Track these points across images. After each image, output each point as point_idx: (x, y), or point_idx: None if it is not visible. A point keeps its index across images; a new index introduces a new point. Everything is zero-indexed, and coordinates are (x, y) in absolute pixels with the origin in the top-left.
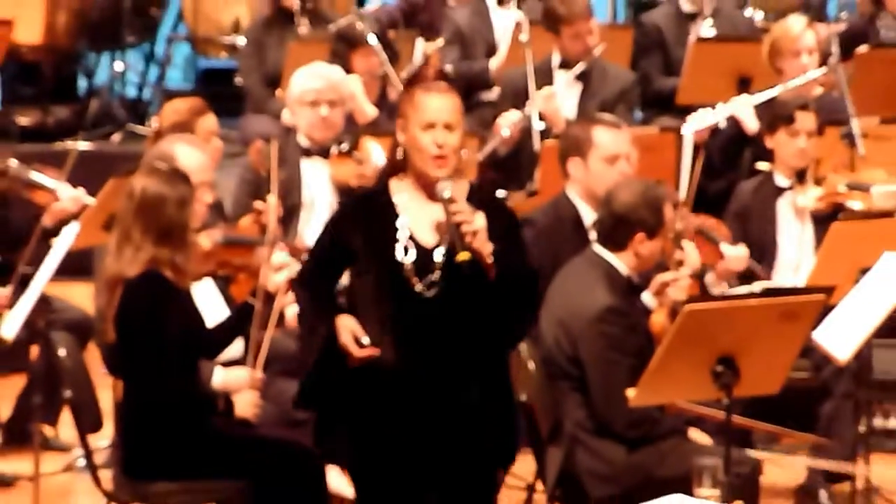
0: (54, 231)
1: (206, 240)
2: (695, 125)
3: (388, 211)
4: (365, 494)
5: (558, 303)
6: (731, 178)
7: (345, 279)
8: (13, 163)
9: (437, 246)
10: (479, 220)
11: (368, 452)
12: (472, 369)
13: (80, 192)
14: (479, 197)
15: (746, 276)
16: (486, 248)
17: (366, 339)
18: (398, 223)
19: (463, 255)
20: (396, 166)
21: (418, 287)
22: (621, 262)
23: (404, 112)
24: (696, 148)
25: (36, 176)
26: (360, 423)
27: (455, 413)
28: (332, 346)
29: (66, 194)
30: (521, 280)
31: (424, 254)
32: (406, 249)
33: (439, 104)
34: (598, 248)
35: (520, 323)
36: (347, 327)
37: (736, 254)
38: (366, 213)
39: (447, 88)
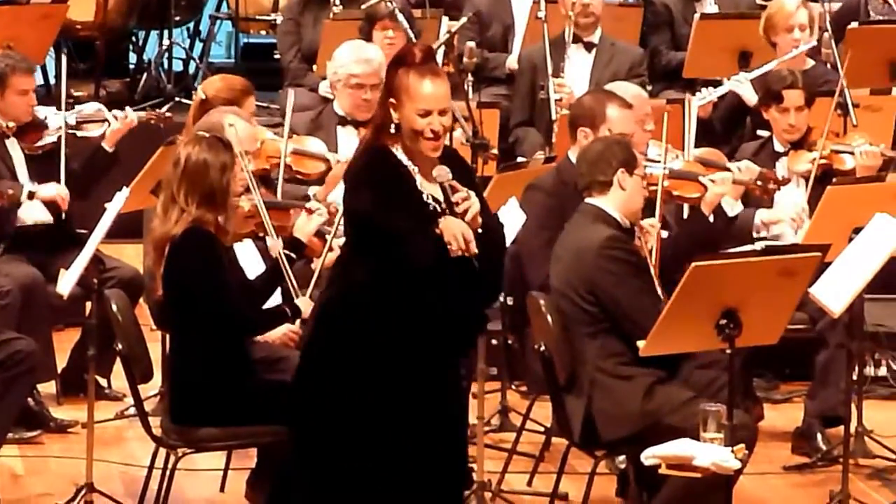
0: (114, 154)
1: (246, 203)
2: (699, 101)
3: (405, 170)
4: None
5: (564, 254)
6: (734, 145)
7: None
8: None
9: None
10: (475, 203)
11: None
12: None
13: (127, 111)
14: (444, 153)
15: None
16: (479, 221)
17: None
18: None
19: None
20: (387, 135)
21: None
22: (611, 206)
23: (398, 95)
24: (701, 121)
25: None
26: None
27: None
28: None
29: (113, 117)
30: (494, 225)
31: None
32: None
33: (433, 91)
34: (589, 199)
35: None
36: (458, 224)
37: (746, 166)
38: (392, 170)
39: (438, 71)
